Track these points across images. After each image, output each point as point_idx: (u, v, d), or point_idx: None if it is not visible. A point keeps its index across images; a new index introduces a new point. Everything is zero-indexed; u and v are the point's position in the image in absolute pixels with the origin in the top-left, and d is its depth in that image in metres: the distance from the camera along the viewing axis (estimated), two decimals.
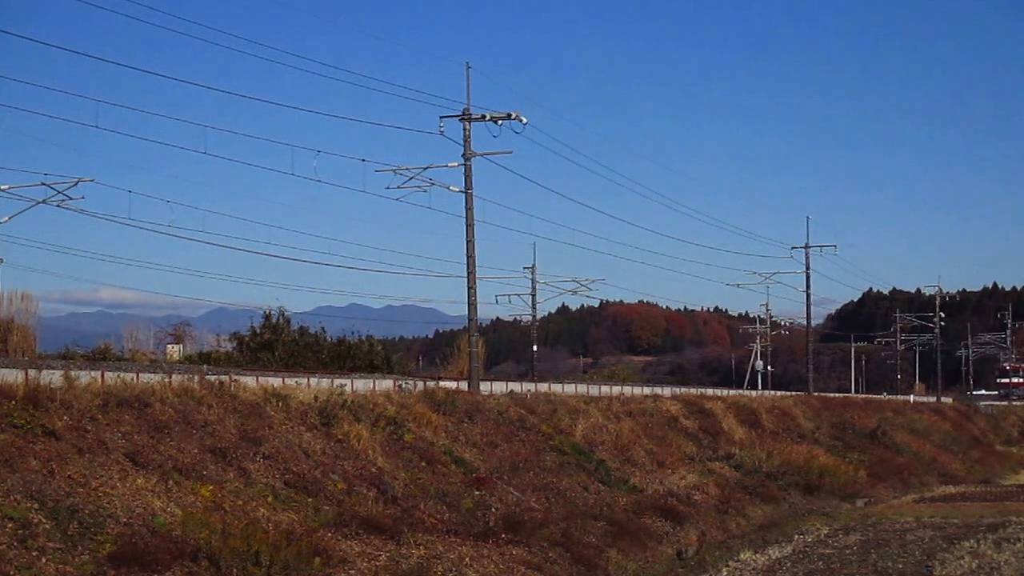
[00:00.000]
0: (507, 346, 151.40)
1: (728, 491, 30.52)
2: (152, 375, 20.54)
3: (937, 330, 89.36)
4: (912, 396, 75.82)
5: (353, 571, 15.91)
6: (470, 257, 32.95)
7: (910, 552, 24.05)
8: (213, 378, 20.88)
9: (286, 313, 41.37)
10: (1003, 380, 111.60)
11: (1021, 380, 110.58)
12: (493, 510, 21.12)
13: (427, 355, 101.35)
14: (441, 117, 32.78)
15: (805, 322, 66.50)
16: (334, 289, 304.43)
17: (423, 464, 21.98)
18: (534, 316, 66.72)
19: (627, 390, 40.68)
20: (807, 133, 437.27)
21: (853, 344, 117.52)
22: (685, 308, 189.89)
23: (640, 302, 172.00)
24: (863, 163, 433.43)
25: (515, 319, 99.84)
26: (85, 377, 18.29)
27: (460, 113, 32.86)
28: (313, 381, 24.61)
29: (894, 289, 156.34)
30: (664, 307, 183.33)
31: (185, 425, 17.95)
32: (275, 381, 23.29)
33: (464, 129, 32.78)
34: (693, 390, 46.19)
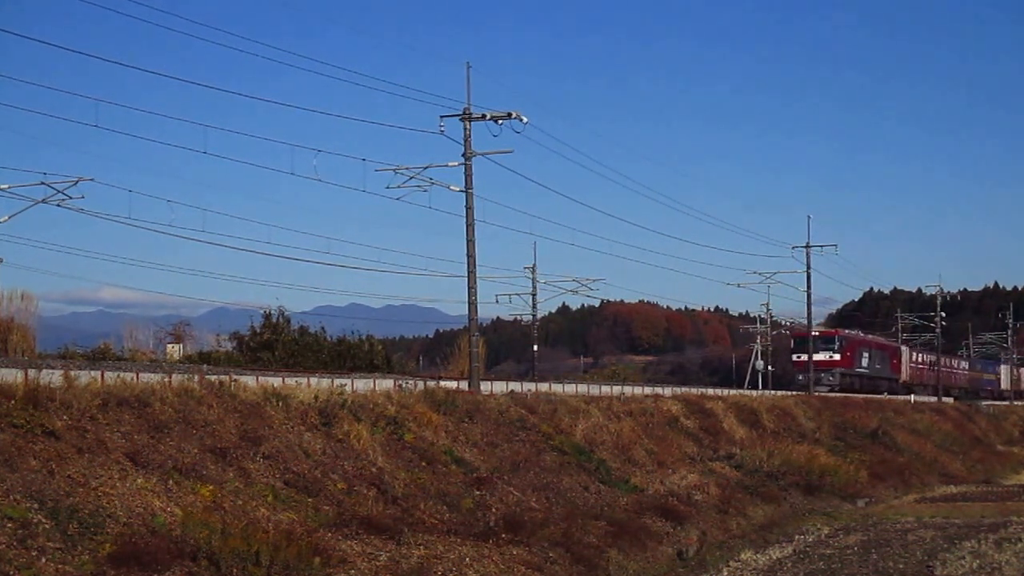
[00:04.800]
0: (507, 346, 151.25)
1: (729, 491, 30.48)
2: (152, 375, 20.51)
3: (938, 330, 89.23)
4: (913, 396, 75.63)
5: (353, 571, 15.88)
6: (470, 257, 32.90)
7: (911, 552, 24.03)
8: (213, 378, 20.85)
9: (286, 313, 41.45)
10: (799, 358, 67.58)
11: (834, 357, 68.14)
12: (493, 510, 21.10)
13: (427, 355, 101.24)
14: (441, 117, 32.71)
15: (806, 322, 66.34)
16: (334, 289, 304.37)
17: (423, 464, 21.95)
18: (534, 316, 66.70)
19: (627, 390, 40.62)
20: (807, 133, 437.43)
21: None
22: (686, 308, 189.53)
23: (641, 302, 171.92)
24: (863, 163, 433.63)
25: (515, 319, 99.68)
26: (85, 377, 18.26)
27: (460, 113, 32.79)
28: (313, 381, 24.58)
29: (895, 289, 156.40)
30: (665, 307, 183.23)
31: (185, 425, 17.92)
32: (275, 381, 23.26)
33: (464, 129, 32.72)
34: (694, 390, 46.13)
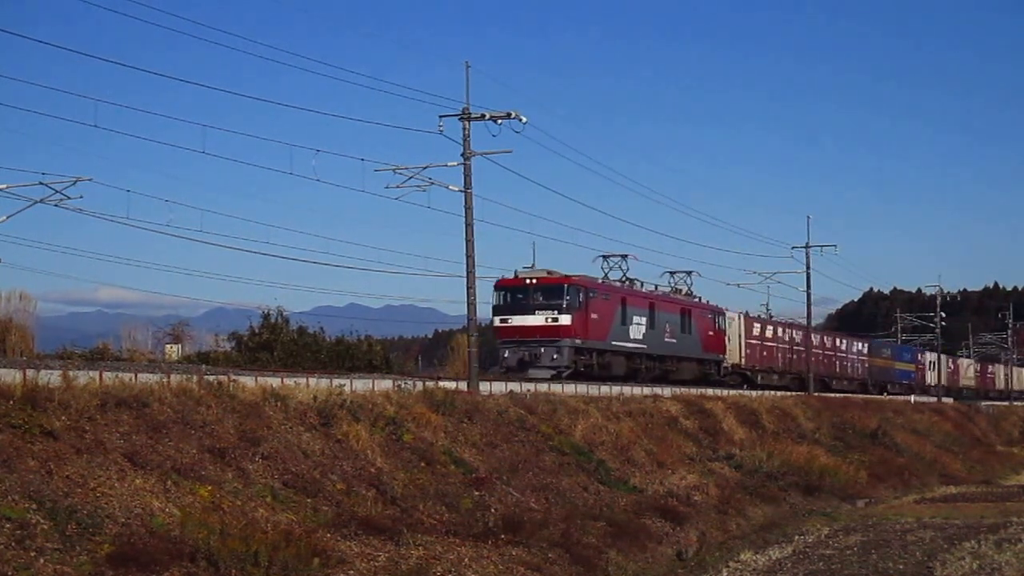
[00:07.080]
0: None
1: (728, 491, 30.47)
2: (150, 375, 20.47)
3: (938, 330, 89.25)
4: (913, 396, 75.65)
5: (352, 571, 15.87)
6: (469, 257, 32.86)
7: (911, 553, 24.01)
8: (212, 378, 20.80)
9: (285, 313, 41.32)
10: (506, 323, 40.92)
11: (562, 321, 39.74)
12: (492, 510, 21.07)
13: (426, 355, 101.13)
14: (441, 116, 32.61)
15: (806, 322, 66.31)
16: (333, 289, 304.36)
17: (422, 464, 21.92)
18: None
19: (627, 390, 40.56)
20: (807, 133, 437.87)
21: None
22: None
23: None
24: (863, 163, 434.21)
25: None
26: (83, 377, 18.22)
27: (460, 112, 32.73)
28: (312, 381, 24.53)
29: (895, 289, 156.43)
30: None
31: (183, 425, 17.89)
32: (274, 381, 23.22)
33: (464, 128, 32.67)
34: (693, 390, 46.06)
